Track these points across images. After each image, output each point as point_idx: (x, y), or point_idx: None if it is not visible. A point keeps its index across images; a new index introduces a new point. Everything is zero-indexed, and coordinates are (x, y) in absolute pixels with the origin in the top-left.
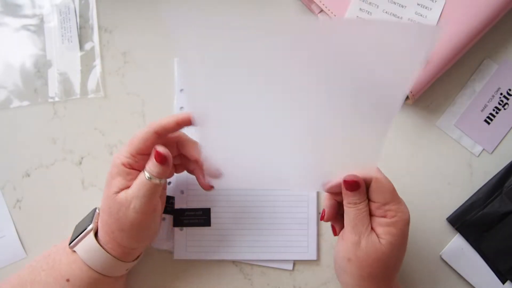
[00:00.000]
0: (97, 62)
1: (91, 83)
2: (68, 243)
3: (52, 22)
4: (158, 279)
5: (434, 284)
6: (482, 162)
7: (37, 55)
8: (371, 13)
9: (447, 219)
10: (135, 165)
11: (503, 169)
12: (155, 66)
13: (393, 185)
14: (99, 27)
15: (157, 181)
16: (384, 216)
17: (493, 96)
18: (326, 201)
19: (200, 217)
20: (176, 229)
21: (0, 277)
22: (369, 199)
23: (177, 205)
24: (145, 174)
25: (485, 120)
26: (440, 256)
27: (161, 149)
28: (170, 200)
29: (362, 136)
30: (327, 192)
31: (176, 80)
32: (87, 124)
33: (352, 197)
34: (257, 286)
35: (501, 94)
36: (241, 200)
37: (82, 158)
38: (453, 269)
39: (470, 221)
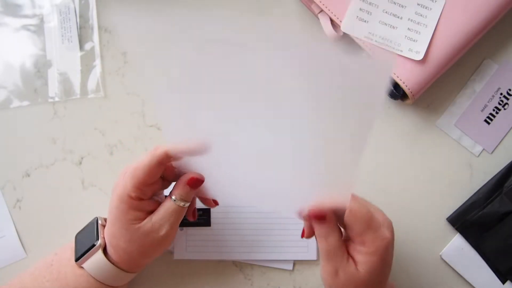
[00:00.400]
0: (97, 62)
1: (91, 83)
2: (73, 256)
3: (52, 22)
4: (158, 279)
5: (434, 284)
6: (482, 162)
7: (37, 55)
8: (371, 13)
9: (447, 219)
10: (143, 196)
11: (503, 169)
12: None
13: (369, 213)
14: (99, 27)
15: (186, 205)
16: (363, 244)
17: (493, 96)
18: (304, 221)
19: (200, 217)
20: None
21: (0, 277)
22: (345, 228)
23: None
24: (175, 201)
25: (485, 120)
26: (440, 256)
27: (196, 175)
28: None
29: (336, 160)
30: (303, 220)
31: None
32: (87, 124)
33: (320, 229)
34: (257, 286)
35: (501, 94)
36: None
37: (82, 158)
38: (453, 269)
39: (470, 221)
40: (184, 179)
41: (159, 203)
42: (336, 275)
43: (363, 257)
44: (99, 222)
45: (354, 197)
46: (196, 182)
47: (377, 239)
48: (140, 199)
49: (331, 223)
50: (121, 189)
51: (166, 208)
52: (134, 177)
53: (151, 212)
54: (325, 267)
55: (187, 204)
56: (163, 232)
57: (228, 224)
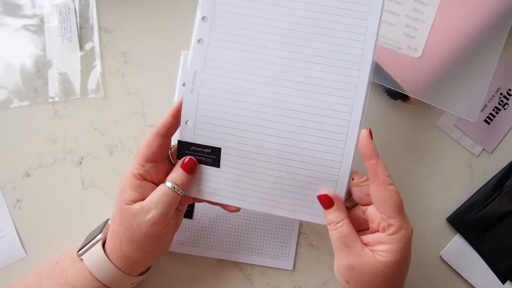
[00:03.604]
0: (97, 62)
1: (91, 83)
2: (76, 251)
3: (52, 22)
4: (158, 279)
5: (434, 284)
6: (482, 162)
7: (37, 55)
8: None
9: (447, 219)
10: (146, 175)
11: (503, 169)
12: (155, 66)
13: (401, 200)
14: (99, 27)
15: (179, 191)
16: (388, 229)
17: (493, 96)
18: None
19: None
20: None
21: (0, 277)
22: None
23: None
24: (168, 184)
25: (485, 120)
26: (440, 256)
27: (189, 158)
28: None
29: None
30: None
31: (179, 73)
32: (87, 124)
33: (329, 216)
34: (257, 286)
35: (501, 94)
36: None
37: (82, 158)
38: (453, 269)
39: (470, 221)
40: (180, 163)
41: None
42: (352, 267)
43: (385, 245)
44: (109, 222)
45: (390, 180)
46: (190, 164)
47: (404, 226)
48: (142, 178)
49: (340, 211)
50: (128, 168)
51: (157, 191)
52: (137, 154)
53: None
54: (338, 260)
55: (180, 191)
56: (150, 217)
57: (212, 219)
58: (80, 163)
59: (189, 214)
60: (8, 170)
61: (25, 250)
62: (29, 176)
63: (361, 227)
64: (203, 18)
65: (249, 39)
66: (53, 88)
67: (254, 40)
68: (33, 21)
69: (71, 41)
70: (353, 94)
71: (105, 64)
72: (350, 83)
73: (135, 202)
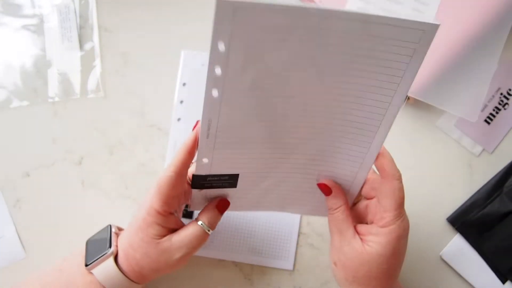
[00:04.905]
0: (97, 62)
1: (91, 83)
2: (83, 262)
3: (52, 22)
4: (158, 279)
5: (434, 284)
6: (482, 162)
7: (37, 55)
8: (368, 10)
9: (447, 219)
10: (171, 209)
11: (503, 169)
12: (155, 66)
13: (403, 197)
14: (99, 27)
15: (210, 231)
16: (381, 221)
17: (493, 96)
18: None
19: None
20: None
21: (0, 277)
22: (368, 198)
23: None
24: (202, 226)
25: (485, 120)
26: (440, 256)
27: (225, 198)
28: None
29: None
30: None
31: (179, 73)
32: (87, 124)
33: (327, 202)
34: (257, 286)
35: (501, 94)
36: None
37: (82, 158)
38: (453, 269)
39: (470, 221)
40: (213, 203)
41: (181, 223)
42: (341, 250)
43: (375, 236)
44: (113, 230)
45: (397, 175)
46: (225, 205)
47: (397, 222)
48: (167, 213)
49: (337, 198)
50: (148, 203)
51: (190, 231)
52: (159, 193)
53: (173, 230)
54: (332, 241)
55: (211, 231)
56: (178, 255)
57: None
58: (80, 163)
59: (189, 214)
60: (8, 170)
61: (24, 250)
62: (29, 176)
63: (363, 220)
64: (215, 69)
65: (267, 85)
66: (53, 88)
67: (273, 85)
68: (33, 21)
69: (71, 41)
70: (379, 122)
71: (105, 64)
72: (379, 113)
73: (163, 236)
